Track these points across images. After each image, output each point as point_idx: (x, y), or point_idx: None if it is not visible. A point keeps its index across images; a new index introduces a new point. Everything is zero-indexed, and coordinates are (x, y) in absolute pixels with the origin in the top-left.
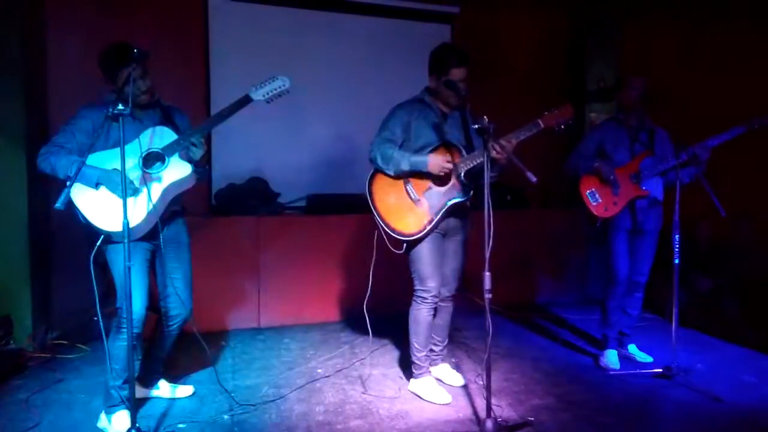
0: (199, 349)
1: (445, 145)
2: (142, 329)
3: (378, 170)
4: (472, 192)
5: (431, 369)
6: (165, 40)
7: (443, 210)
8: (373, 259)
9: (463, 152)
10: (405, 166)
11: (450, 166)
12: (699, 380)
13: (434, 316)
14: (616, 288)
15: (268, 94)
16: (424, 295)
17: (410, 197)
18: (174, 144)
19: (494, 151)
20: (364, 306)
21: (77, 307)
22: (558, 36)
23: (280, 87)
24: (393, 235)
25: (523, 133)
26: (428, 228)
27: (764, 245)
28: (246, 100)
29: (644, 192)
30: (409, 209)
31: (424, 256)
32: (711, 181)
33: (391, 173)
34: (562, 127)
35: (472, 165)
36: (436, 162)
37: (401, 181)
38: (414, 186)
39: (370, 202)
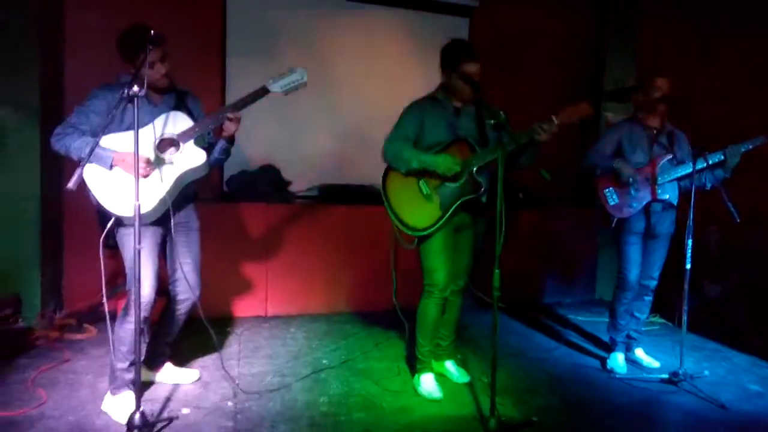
0: (205, 335)
1: (457, 141)
2: (150, 313)
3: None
4: (485, 188)
5: (437, 364)
6: (181, 24)
7: (455, 206)
8: (393, 253)
9: (477, 148)
10: (415, 165)
11: (457, 168)
12: (705, 387)
13: (443, 312)
14: (626, 291)
15: (285, 86)
16: (432, 289)
17: (422, 193)
18: (189, 130)
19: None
20: (394, 299)
21: (87, 288)
22: (577, 34)
23: (297, 80)
24: (404, 229)
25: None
26: (439, 223)
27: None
28: (263, 92)
29: (660, 197)
30: (422, 205)
31: (435, 251)
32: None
33: (403, 171)
34: (577, 122)
35: (485, 161)
36: (445, 163)
37: (414, 177)
38: (427, 182)
39: (383, 196)
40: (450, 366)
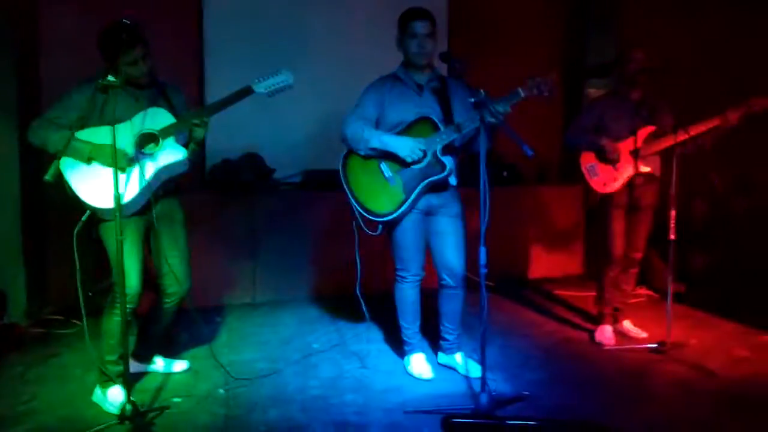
0: (194, 325)
1: (420, 119)
2: (137, 304)
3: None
4: (450, 169)
5: (447, 357)
6: (159, 15)
7: (419, 189)
8: (356, 241)
9: (441, 126)
10: (376, 144)
11: (420, 153)
12: (692, 355)
13: (419, 293)
14: (612, 265)
15: (270, 87)
16: (405, 274)
17: (384, 176)
18: (170, 127)
19: (492, 116)
20: (357, 291)
21: (72, 283)
22: (558, 10)
23: (282, 82)
24: (366, 215)
25: (502, 102)
26: (403, 208)
27: (759, 221)
28: (248, 91)
29: (645, 170)
30: (383, 188)
31: (403, 237)
32: (712, 156)
33: (362, 153)
34: (546, 94)
35: (449, 140)
36: (407, 144)
37: (375, 159)
38: (388, 164)
39: (343, 181)
40: (460, 359)
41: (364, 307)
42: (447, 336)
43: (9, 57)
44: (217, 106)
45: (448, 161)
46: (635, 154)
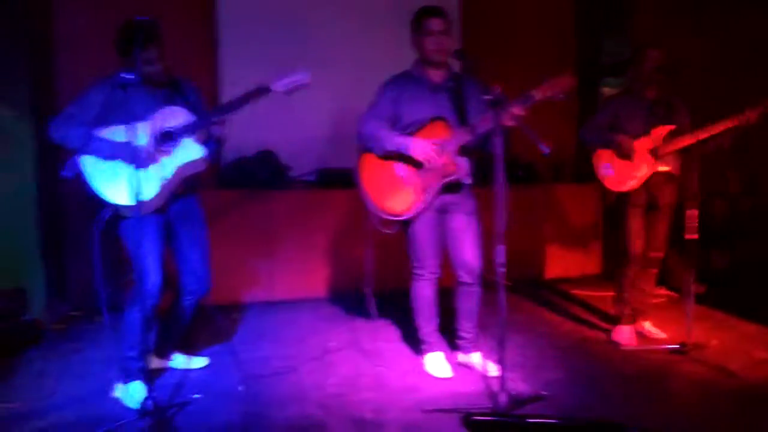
0: (213, 322)
1: (435, 120)
2: (158, 300)
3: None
4: (464, 169)
5: (465, 355)
6: (173, 12)
7: (433, 189)
8: (370, 241)
9: (455, 127)
10: (389, 147)
11: (432, 155)
12: (713, 357)
13: (436, 291)
14: (630, 264)
15: (288, 86)
16: (421, 272)
17: (399, 175)
18: (189, 125)
19: (507, 118)
20: (366, 290)
21: (92, 279)
22: (572, 8)
23: (299, 80)
24: (381, 215)
25: (515, 105)
26: (418, 208)
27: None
28: (265, 90)
29: (664, 169)
30: (399, 188)
31: (419, 236)
32: (730, 155)
33: (378, 153)
34: (561, 97)
35: (463, 141)
36: (419, 146)
37: (391, 159)
38: (403, 164)
39: (358, 180)
40: (478, 358)
41: (372, 306)
42: (464, 335)
43: (24, 53)
44: (234, 104)
45: (463, 162)
46: (654, 153)
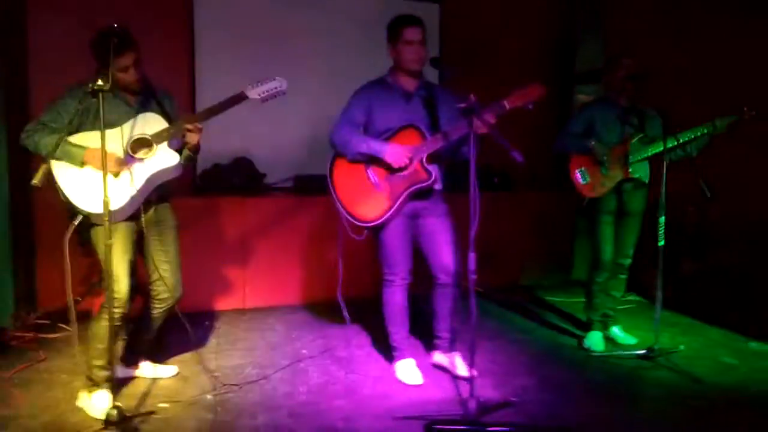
0: (183, 330)
1: (407, 127)
2: (127, 309)
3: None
4: (435, 177)
5: (441, 356)
6: (149, 20)
7: (404, 195)
8: (339, 245)
9: (427, 135)
10: (363, 149)
11: (406, 161)
12: (680, 362)
13: (407, 297)
14: (601, 271)
15: (264, 93)
16: (392, 278)
17: (371, 181)
18: (163, 132)
19: (477, 125)
20: (338, 295)
21: (61, 288)
22: (548, 17)
23: (276, 88)
24: (352, 221)
25: (487, 113)
26: (388, 214)
27: (737, 230)
28: (241, 97)
29: (632, 175)
30: (369, 194)
31: (389, 242)
32: (699, 166)
33: (349, 158)
34: (530, 107)
35: (435, 148)
36: (394, 151)
37: (362, 165)
38: (375, 170)
39: (330, 186)
40: (454, 359)
41: (345, 312)
42: (441, 335)
43: None
44: (210, 112)
45: (434, 169)
46: (624, 160)
